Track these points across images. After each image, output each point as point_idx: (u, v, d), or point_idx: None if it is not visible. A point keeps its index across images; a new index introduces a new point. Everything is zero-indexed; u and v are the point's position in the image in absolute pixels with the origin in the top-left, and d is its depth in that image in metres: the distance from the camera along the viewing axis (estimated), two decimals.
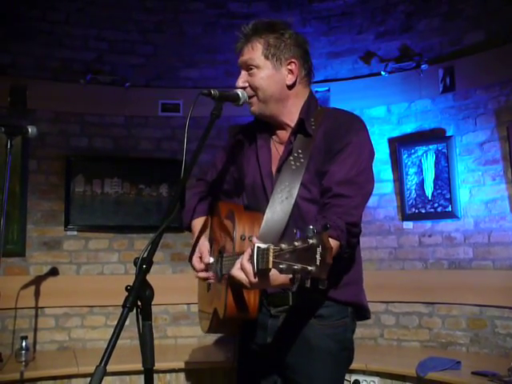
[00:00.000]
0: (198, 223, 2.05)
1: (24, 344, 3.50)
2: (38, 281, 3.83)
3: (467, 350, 3.63)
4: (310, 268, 1.18)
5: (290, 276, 1.26)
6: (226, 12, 4.41)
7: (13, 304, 3.72)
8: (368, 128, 1.87)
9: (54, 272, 3.96)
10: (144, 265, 1.46)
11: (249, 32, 1.85)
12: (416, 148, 3.91)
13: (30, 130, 2.79)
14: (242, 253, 1.53)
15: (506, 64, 3.53)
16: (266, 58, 1.83)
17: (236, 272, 1.52)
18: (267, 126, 1.95)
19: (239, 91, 1.82)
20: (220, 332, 2.08)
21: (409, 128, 4.01)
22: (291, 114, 1.88)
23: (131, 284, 1.43)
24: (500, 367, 3.03)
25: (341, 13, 4.29)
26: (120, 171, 4.14)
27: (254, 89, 1.84)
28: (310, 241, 1.19)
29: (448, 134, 3.83)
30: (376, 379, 3.37)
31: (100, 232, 4.10)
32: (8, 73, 3.99)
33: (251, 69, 1.84)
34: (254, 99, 1.85)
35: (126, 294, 1.41)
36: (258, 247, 1.40)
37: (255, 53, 1.83)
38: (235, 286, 1.73)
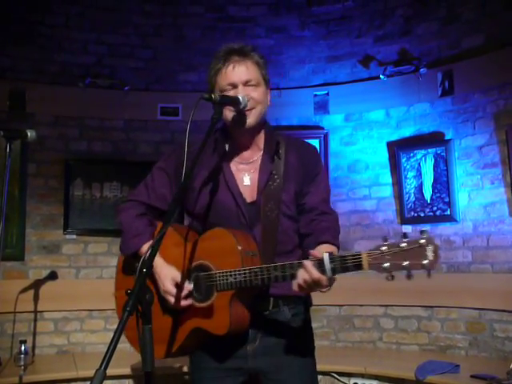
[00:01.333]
0: None
1: (23, 348, 3.49)
2: (36, 285, 3.82)
3: (466, 354, 3.63)
4: (424, 262, 1.48)
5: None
6: (225, 16, 4.42)
7: (12, 308, 3.71)
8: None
9: (52, 276, 3.96)
10: (144, 269, 1.46)
11: (242, 52, 1.88)
12: (415, 152, 3.91)
13: (29, 133, 2.78)
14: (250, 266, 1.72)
15: (505, 67, 3.54)
16: (263, 78, 1.91)
17: (311, 276, 1.61)
18: (223, 143, 1.96)
19: (240, 95, 1.82)
20: (182, 353, 2.00)
21: (407, 132, 4.02)
22: (260, 134, 1.96)
23: (131, 288, 1.43)
24: (499, 370, 3.03)
25: (340, 17, 4.30)
26: (119, 175, 4.14)
27: (257, 102, 1.87)
28: (421, 241, 1.48)
29: (447, 137, 3.83)
30: (375, 383, 3.37)
31: (99, 236, 4.09)
32: (7, 76, 4.00)
33: (250, 86, 1.87)
34: (253, 111, 1.87)
35: (126, 297, 1.41)
36: (330, 253, 1.61)
37: (255, 71, 1.89)
38: (242, 298, 1.78)
